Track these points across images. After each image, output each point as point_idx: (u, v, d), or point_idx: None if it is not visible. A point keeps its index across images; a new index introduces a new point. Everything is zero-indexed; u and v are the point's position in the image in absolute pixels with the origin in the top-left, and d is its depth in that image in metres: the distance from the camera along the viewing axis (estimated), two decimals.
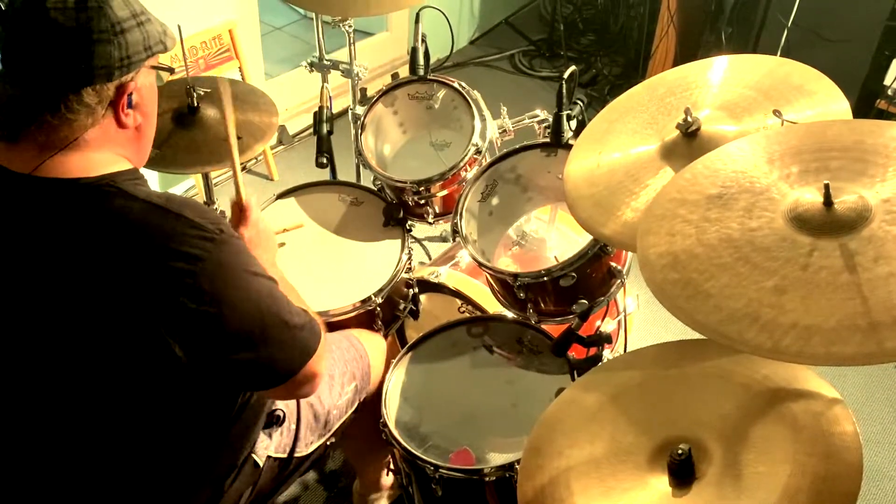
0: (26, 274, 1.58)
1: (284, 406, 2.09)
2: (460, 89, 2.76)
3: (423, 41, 2.87)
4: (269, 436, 2.04)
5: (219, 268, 1.57)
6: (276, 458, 2.07)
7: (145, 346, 1.57)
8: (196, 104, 2.65)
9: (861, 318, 1.28)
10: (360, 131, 2.81)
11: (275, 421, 2.05)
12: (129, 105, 1.63)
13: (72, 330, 1.58)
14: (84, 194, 1.58)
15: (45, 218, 1.57)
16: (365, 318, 2.55)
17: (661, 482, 1.53)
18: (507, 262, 2.54)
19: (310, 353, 1.71)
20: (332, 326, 2.49)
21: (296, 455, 2.12)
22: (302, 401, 2.13)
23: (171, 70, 1.78)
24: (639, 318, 3.20)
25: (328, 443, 2.23)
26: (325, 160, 2.88)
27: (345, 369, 2.28)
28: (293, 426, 2.12)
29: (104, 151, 1.63)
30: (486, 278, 2.54)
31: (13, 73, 1.57)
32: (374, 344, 2.47)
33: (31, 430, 1.70)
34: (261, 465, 2.01)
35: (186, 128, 2.64)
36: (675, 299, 1.46)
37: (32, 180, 1.57)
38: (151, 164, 2.53)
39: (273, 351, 1.66)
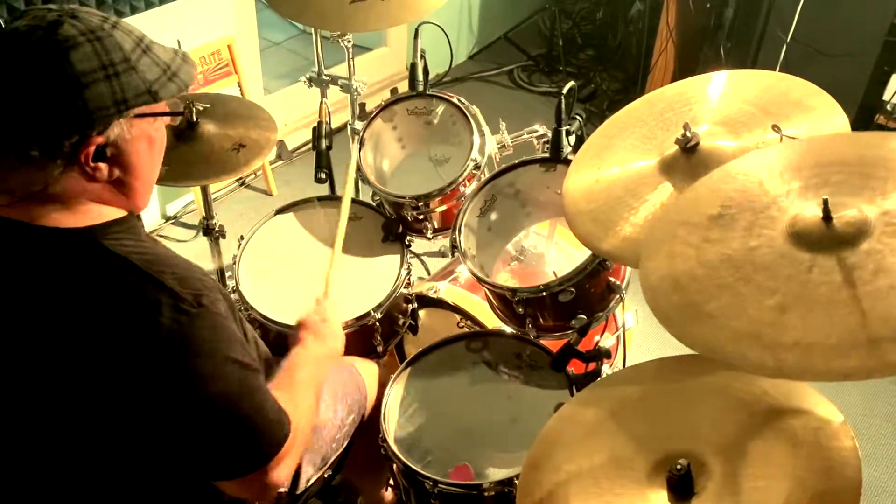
0: None
1: None
2: (459, 104, 2.77)
3: (422, 56, 2.88)
4: None
5: (188, 344, 1.50)
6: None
7: (105, 411, 1.53)
8: (195, 119, 2.67)
9: (861, 333, 1.27)
10: (359, 146, 2.81)
11: None
12: (103, 159, 1.51)
13: (40, 386, 1.53)
14: (63, 245, 1.51)
15: (20, 263, 1.52)
16: (364, 333, 2.54)
17: (660, 497, 1.52)
18: (505, 278, 2.54)
19: (265, 456, 1.60)
20: None
21: (297, 492, 2.08)
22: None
23: (178, 113, 1.69)
24: (637, 333, 3.19)
25: (325, 475, 2.19)
26: (323, 175, 2.89)
27: (346, 401, 2.26)
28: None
29: (83, 202, 1.54)
30: (485, 293, 2.54)
31: None
32: (367, 371, 2.45)
33: None
34: None
35: (185, 142, 2.65)
36: (680, 325, 1.46)
37: (16, 224, 1.51)
38: None
39: (226, 442, 1.57)
